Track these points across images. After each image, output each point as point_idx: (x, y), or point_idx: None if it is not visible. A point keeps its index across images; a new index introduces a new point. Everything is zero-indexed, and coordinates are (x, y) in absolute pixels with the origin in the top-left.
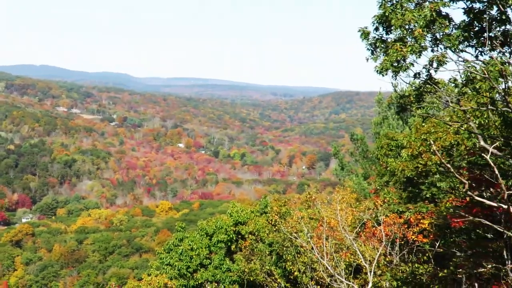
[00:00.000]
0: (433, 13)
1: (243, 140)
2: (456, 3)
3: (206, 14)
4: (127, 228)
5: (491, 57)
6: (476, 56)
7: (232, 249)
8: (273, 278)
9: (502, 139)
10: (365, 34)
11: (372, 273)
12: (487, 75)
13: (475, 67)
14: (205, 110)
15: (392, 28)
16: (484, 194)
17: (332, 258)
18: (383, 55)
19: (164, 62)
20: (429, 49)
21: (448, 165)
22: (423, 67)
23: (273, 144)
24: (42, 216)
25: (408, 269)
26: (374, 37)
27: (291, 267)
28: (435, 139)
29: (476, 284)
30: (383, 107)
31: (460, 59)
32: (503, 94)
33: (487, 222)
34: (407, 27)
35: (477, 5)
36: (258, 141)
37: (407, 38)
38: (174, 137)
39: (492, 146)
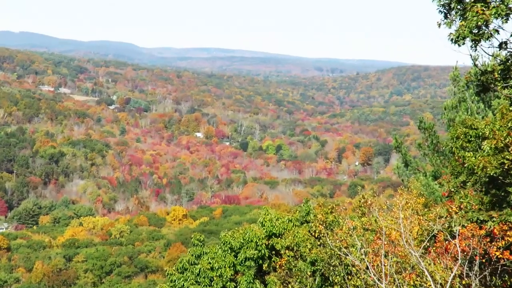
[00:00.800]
0: None
1: (279, 128)
2: None
3: None
4: (130, 242)
5: None
6: None
7: (264, 268)
8: None
9: None
10: None
11: None
12: None
13: None
14: (230, 89)
15: None
16: None
17: (393, 281)
18: (460, 19)
19: (179, 28)
20: None
21: None
22: (511, 35)
23: (317, 134)
24: (20, 226)
25: None
26: None
27: None
28: None
29: None
30: (459, 86)
31: None
32: None
33: None
34: None
35: None
36: (299, 129)
37: None
38: (191, 125)
39: None
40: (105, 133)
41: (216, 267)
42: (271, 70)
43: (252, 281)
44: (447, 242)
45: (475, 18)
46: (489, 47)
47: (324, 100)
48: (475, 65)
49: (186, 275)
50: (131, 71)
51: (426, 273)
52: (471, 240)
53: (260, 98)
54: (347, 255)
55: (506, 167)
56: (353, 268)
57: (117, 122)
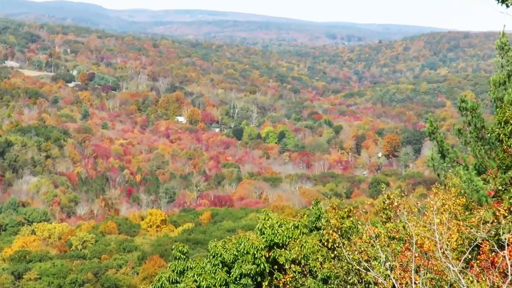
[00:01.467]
0: None
1: (282, 111)
2: None
3: None
4: (95, 254)
5: None
6: None
7: (263, 287)
8: None
9: None
10: None
11: None
12: None
13: None
14: (220, 62)
15: None
16: None
17: None
18: None
19: None
20: None
21: None
22: None
23: (330, 118)
24: None
25: None
26: None
27: None
28: None
29: None
30: (508, 56)
31: None
32: None
33: None
34: None
35: None
36: (306, 112)
37: None
38: (171, 106)
39: None
40: (63, 118)
41: (204, 286)
42: (272, 38)
43: None
44: (493, 253)
45: None
46: None
47: (338, 75)
48: None
49: None
50: (95, 39)
51: None
52: None
53: (257, 73)
54: (368, 271)
55: None
56: (376, 287)
57: (78, 104)
